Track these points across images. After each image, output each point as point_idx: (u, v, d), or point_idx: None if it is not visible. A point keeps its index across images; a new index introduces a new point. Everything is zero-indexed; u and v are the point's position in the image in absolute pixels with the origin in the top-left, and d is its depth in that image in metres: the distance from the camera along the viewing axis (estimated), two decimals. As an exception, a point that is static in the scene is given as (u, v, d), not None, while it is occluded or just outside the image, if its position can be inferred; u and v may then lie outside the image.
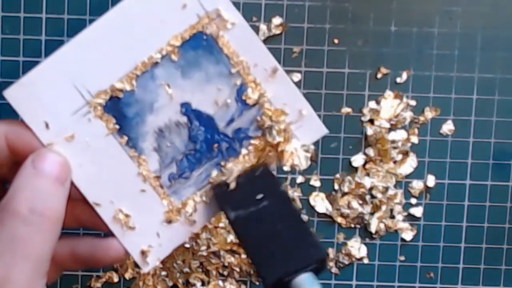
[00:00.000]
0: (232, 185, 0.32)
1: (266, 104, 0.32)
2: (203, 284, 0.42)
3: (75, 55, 0.30)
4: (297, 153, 0.32)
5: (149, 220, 0.32)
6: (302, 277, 0.29)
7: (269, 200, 0.31)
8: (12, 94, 0.30)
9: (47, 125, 0.30)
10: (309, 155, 0.33)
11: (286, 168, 0.33)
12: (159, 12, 0.31)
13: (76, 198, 0.31)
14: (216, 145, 0.32)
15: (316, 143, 0.42)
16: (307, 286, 0.29)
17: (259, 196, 0.31)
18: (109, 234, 0.32)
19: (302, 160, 0.33)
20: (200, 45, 0.31)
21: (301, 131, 0.33)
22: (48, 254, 0.28)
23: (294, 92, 0.33)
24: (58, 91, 0.30)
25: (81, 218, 0.32)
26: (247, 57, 0.32)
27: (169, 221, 0.32)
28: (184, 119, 0.32)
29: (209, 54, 0.31)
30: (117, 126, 0.31)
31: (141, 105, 0.31)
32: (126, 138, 0.31)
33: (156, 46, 0.31)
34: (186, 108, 0.32)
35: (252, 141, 0.32)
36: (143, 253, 0.32)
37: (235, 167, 0.32)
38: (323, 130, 0.33)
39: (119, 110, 0.31)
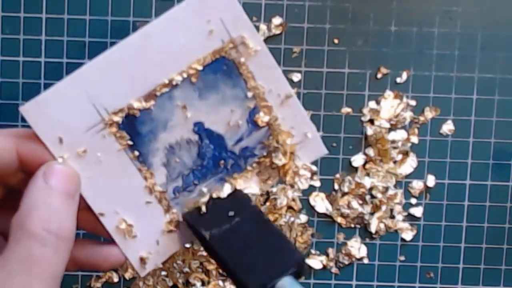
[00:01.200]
0: (203, 209, 0.32)
1: (276, 127, 0.33)
2: (203, 284, 0.43)
3: (95, 75, 0.30)
4: (299, 173, 0.33)
5: (151, 230, 0.32)
6: (283, 280, 0.30)
7: (241, 216, 0.32)
8: (28, 110, 0.30)
9: (60, 140, 0.30)
10: (309, 175, 0.33)
11: (286, 185, 0.34)
12: (185, 36, 0.31)
13: (79, 206, 0.31)
14: (222, 161, 0.33)
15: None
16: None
17: (231, 213, 0.32)
18: (109, 239, 0.32)
19: (303, 180, 0.33)
20: (220, 69, 0.32)
21: (303, 151, 0.33)
22: (62, 272, 0.29)
23: (303, 116, 0.33)
24: (75, 108, 0.30)
25: (82, 224, 0.32)
26: (264, 82, 0.32)
27: (170, 231, 0.33)
28: (195, 137, 0.32)
29: (227, 78, 0.32)
30: (130, 143, 0.31)
31: (155, 123, 0.31)
32: (137, 153, 0.31)
33: (178, 68, 0.31)
34: (199, 127, 0.32)
35: (257, 159, 0.33)
36: (142, 260, 0.32)
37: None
38: (323, 151, 0.34)
39: (134, 128, 0.31)
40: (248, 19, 0.31)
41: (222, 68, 0.32)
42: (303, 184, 0.34)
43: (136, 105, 0.31)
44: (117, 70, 0.30)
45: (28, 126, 0.30)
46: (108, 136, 0.31)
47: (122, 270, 0.42)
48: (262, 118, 0.32)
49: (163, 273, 0.42)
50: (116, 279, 0.42)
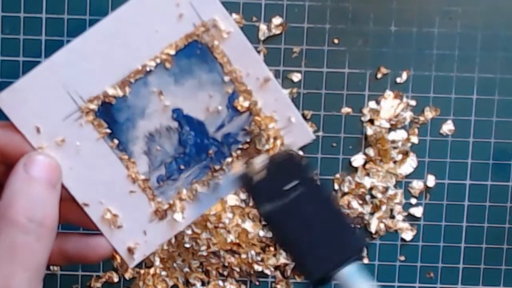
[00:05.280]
0: (259, 177, 0.31)
1: (257, 112, 0.32)
2: (203, 284, 0.43)
3: (68, 62, 0.30)
4: None
5: (137, 219, 0.32)
6: (347, 269, 0.28)
7: (300, 189, 0.30)
8: (4, 100, 0.30)
9: (38, 130, 0.30)
10: None
11: None
12: (155, 21, 0.31)
13: (64, 197, 0.31)
14: (206, 149, 0.32)
15: (316, 143, 0.42)
16: (354, 278, 0.28)
17: (289, 186, 0.30)
18: (96, 231, 0.32)
19: None
20: (194, 54, 0.32)
21: (288, 137, 0.33)
22: (46, 260, 0.29)
23: (284, 100, 0.33)
24: (50, 96, 0.30)
25: (68, 216, 0.32)
26: (240, 66, 0.32)
27: (157, 221, 0.33)
28: (175, 124, 0.32)
29: (202, 62, 0.32)
30: (108, 131, 0.31)
31: (132, 110, 0.31)
32: (116, 142, 0.31)
33: (151, 54, 0.31)
34: (178, 114, 0.32)
35: (241, 146, 0.33)
36: (130, 250, 0.32)
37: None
38: (309, 137, 0.33)
39: (111, 115, 0.31)
40: (218, 1, 0.31)
41: (196, 53, 0.31)
42: None
43: (111, 92, 0.31)
44: (89, 56, 0.30)
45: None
46: (86, 125, 0.31)
47: (122, 270, 0.42)
48: (242, 103, 0.32)
49: (163, 273, 0.42)
50: (116, 279, 0.42)
